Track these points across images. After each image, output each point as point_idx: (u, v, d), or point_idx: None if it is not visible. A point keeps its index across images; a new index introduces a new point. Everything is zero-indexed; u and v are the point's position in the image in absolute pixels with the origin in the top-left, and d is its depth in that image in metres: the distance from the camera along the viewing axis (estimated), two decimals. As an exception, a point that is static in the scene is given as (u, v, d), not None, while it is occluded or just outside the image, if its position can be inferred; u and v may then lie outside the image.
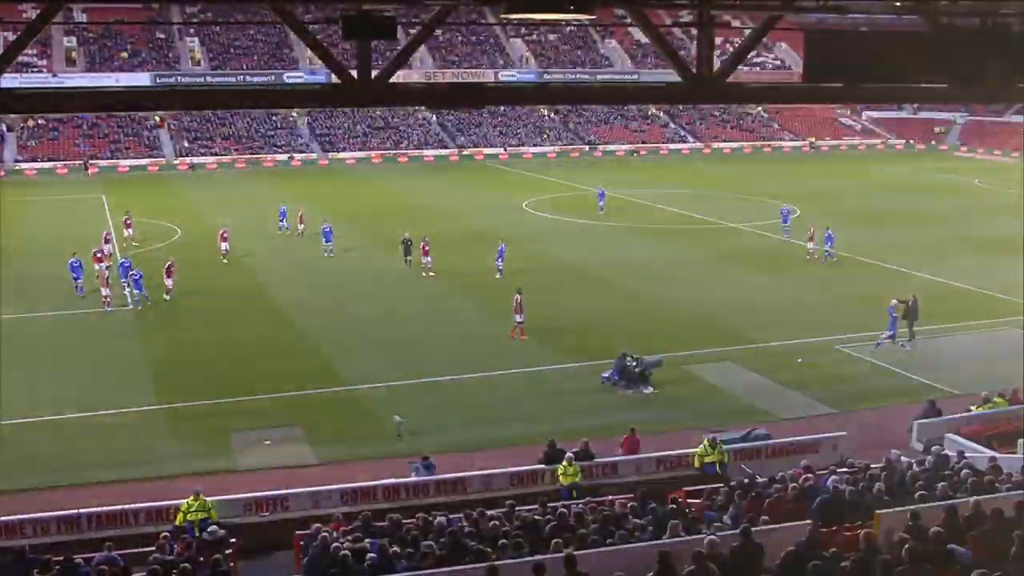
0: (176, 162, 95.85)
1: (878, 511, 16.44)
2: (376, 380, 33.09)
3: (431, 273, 47.36)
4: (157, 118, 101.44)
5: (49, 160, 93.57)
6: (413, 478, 24.10)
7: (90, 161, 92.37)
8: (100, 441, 28.41)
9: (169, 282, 42.80)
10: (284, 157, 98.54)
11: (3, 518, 21.88)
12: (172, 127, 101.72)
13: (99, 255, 45.04)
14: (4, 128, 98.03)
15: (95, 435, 28.85)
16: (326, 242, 52.77)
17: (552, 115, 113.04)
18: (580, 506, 19.57)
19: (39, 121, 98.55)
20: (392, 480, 23.95)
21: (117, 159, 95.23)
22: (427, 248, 48.03)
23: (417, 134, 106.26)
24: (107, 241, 51.11)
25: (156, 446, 27.96)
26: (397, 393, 31.88)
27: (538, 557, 14.85)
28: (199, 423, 29.59)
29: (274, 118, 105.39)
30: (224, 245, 51.56)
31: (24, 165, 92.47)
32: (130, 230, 56.17)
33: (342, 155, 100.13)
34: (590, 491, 22.99)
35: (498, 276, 45.82)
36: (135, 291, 42.71)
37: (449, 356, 35.41)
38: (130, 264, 44.02)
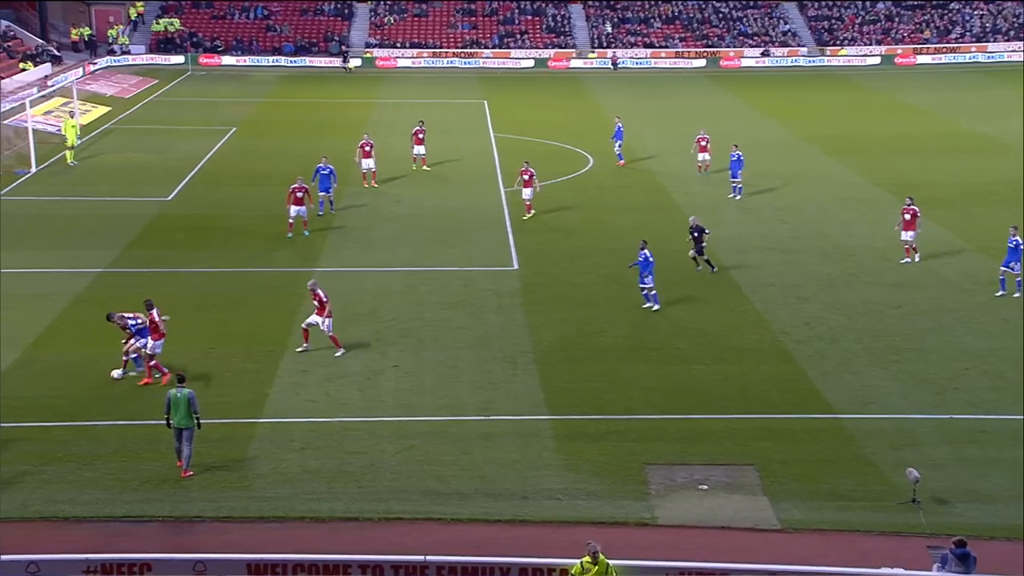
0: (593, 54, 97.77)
1: None
2: (875, 406, 30.94)
3: (914, 258, 43.71)
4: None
5: (412, 47, 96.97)
6: (934, 573, 21.71)
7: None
8: (468, 463, 28.12)
9: None
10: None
11: (333, 556, 22.36)
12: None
13: (299, 192, 46.67)
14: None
15: (462, 447, 28.78)
16: (732, 178, 53.44)
17: None
18: None
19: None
20: (897, 571, 21.76)
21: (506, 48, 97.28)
22: (913, 215, 43.27)
23: None
24: (367, 155, 53.57)
25: (541, 473, 27.32)
26: (914, 431, 29.53)
27: None
28: (599, 446, 28.73)
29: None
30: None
31: (376, 52, 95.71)
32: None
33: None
34: None
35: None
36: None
37: (983, 384, 32.53)
38: None
